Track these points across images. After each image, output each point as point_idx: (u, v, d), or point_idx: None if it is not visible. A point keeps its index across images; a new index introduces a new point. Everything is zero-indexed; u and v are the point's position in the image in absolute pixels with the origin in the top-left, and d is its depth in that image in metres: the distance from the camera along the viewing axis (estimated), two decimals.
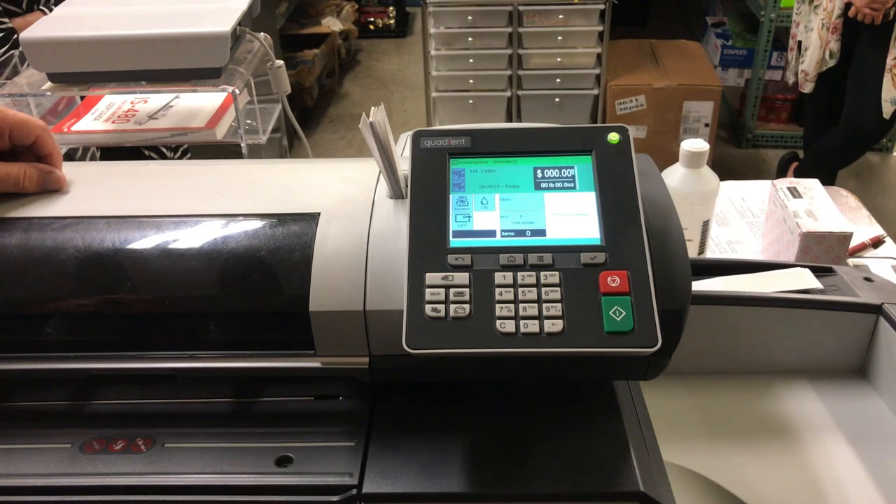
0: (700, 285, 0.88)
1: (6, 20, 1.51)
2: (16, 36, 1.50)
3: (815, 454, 0.77)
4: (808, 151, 2.88)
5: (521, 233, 0.59)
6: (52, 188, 0.67)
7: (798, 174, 2.85)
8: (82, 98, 1.25)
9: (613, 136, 0.62)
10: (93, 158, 1.44)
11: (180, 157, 1.66)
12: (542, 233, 0.59)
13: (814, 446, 0.77)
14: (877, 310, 0.83)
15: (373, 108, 0.59)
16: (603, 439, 0.62)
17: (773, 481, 0.74)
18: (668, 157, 1.02)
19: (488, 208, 0.60)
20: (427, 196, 0.60)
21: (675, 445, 0.74)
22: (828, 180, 2.64)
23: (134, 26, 1.08)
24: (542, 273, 0.56)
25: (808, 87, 2.69)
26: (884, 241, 1.17)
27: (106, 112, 1.22)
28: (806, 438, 0.78)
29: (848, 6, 2.43)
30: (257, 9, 1.21)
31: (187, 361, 0.61)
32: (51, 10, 1.54)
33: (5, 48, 1.46)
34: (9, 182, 0.64)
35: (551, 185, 0.61)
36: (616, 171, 0.61)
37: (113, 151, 1.36)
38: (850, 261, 1.09)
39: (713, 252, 1.16)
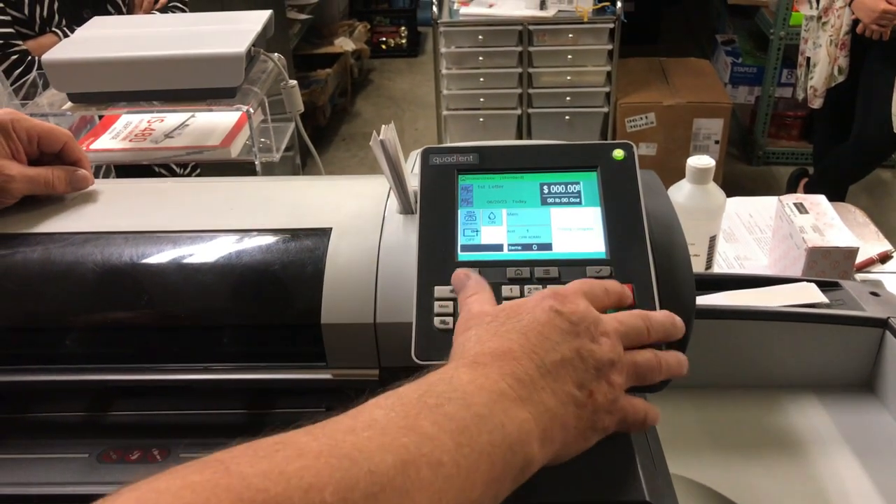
0: (707, 300, 0.89)
1: (20, 42, 1.55)
2: (30, 57, 1.53)
3: (822, 467, 0.77)
4: (817, 167, 2.88)
5: (527, 247, 0.60)
6: (81, 187, 0.70)
7: (808, 190, 2.85)
8: (100, 117, 1.28)
9: (618, 153, 0.63)
10: (108, 176, 1.47)
11: (190, 175, 1.69)
12: (548, 247, 0.60)
13: (820, 459, 0.78)
14: (883, 324, 0.84)
15: (383, 126, 0.61)
16: (609, 450, 0.63)
17: (779, 494, 0.75)
18: (678, 174, 1.04)
19: (496, 223, 0.61)
20: (436, 211, 0.61)
21: (681, 457, 0.75)
22: (838, 196, 2.64)
23: (151, 48, 1.10)
24: (549, 286, 0.57)
25: (816, 103, 2.69)
26: (891, 257, 1.17)
27: (123, 131, 1.25)
28: (812, 451, 0.79)
29: (856, 23, 2.44)
30: (271, 30, 1.23)
31: (202, 373, 0.62)
32: (64, 32, 1.58)
33: (20, 69, 1.49)
34: (40, 183, 0.67)
35: (557, 200, 0.62)
36: (621, 187, 0.62)
37: (126, 169, 1.38)
38: (858, 276, 1.10)
39: (720, 267, 1.17)
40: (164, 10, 1.70)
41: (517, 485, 0.43)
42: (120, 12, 1.64)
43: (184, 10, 1.75)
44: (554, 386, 0.45)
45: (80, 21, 1.52)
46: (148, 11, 1.68)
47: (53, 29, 1.61)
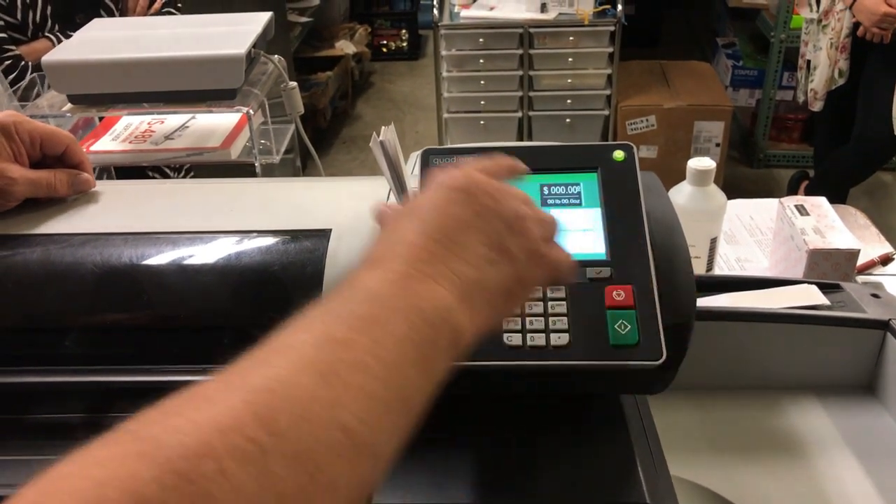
0: (707, 301, 0.89)
1: (13, 47, 1.54)
2: (23, 63, 1.53)
3: (823, 469, 0.77)
4: (818, 170, 2.88)
5: None
6: (83, 190, 0.70)
7: (809, 193, 2.84)
8: (100, 119, 1.28)
9: (619, 154, 0.63)
10: (108, 178, 1.47)
11: (184, 177, 1.69)
12: None
13: (821, 462, 0.78)
14: (884, 326, 0.84)
15: (383, 127, 0.61)
16: (610, 452, 0.63)
17: (779, 496, 0.74)
18: (679, 176, 1.03)
19: None
20: None
21: (682, 459, 0.75)
22: (839, 199, 2.63)
23: (151, 49, 1.10)
24: (548, 287, 0.57)
25: (817, 106, 2.69)
26: (893, 259, 1.17)
27: (123, 132, 1.25)
28: (813, 454, 0.79)
29: (856, 25, 2.44)
30: (271, 32, 1.23)
31: (201, 375, 0.62)
32: (57, 37, 1.58)
33: (14, 75, 1.49)
34: (42, 185, 0.67)
35: (557, 201, 0.62)
36: (621, 188, 0.62)
37: (125, 171, 1.38)
38: (859, 278, 1.10)
39: (721, 269, 1.17)
40: (157, 14, 1.70)
41: (455, 358, 0.43)
42: (112, 16, 1.64)
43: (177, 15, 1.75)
44: (463, 254, 0.45)
45: (74, 26, 1.52)
46: (142, 16, 1.67)
47: (46, 34, 1.60)
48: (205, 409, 0.33)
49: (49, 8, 1.59)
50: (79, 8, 1.61)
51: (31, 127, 0.67)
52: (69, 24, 1.60)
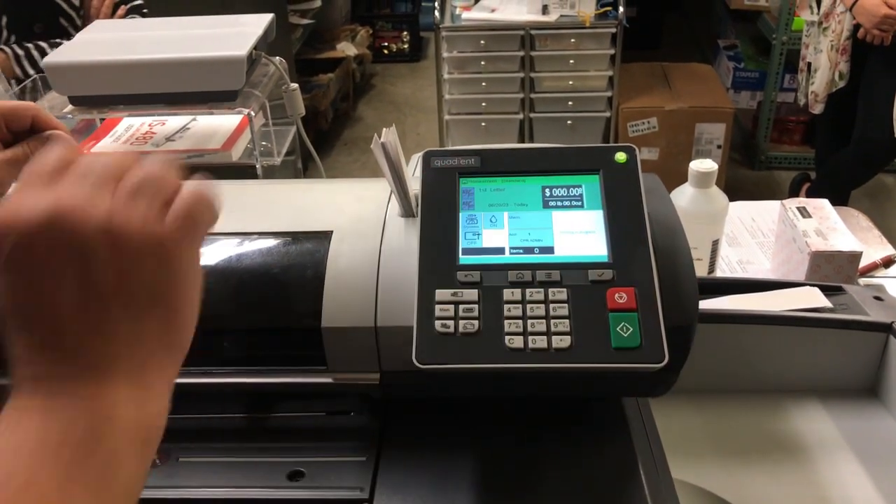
0: (709, 304, 0.89)
1: None
2: None
3: (826, 473, 0.77)
4: (820, 172, 2.88)
5: (529, 250, 0.60)
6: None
7: (810, 195, 2.84)
8: (102, 120, 1.28)
9: (621, 156, 0.63)
10: None
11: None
12: (550, 250, 0.60)
13: (824, 465, 0.77)
14: (887, 328, 0.83)
15: (384, 129, 0.60)
16: (612, 455, 0.63)
17: (782, 499, 0.74)
18: (680, 178, 1.03)
19: (497, 226, 0.61)
20: (437, 214, 0.61)
21: (684, 463, 0.74)
22: (840, 201, 2.63)
23: (152, 51, 1.10)
24: (550, 289, 0.57)
25: (818, 108, 2.69)
26: (895, 261, 1.17)
27: (125, 134, 1.25)
28: (816, 457, 0.78)
29: (857, 28, 2.43)
30: (272, 34, 1.23)
31: (202, 377, 0.62)
32: (13, 49, 1.55)
33: None
34: (20, 160, 0.61)
35: (559, 203, 0.62)
36: (623, 190, 0.62)
37: None
38: (862, 280, 1.10)
39: (723, 271, 1.16)
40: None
41: (143, 444, 0.35)
42: (74, 25, 1.60)
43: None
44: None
45: (32, 36, 1.50)
46: None
47: (1, 46, 1.56)
48: None
49: (4, 19, 1.54)
50: (38, 18, 1.58)
51: None
52: (27, 35, 1.55)
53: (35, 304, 0.34)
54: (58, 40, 1.54)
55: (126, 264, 0.35)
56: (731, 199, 1.11)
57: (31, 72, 1.51)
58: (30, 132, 0.64)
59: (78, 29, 1.59)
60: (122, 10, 1.66)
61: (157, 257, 0.36)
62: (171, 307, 0.37)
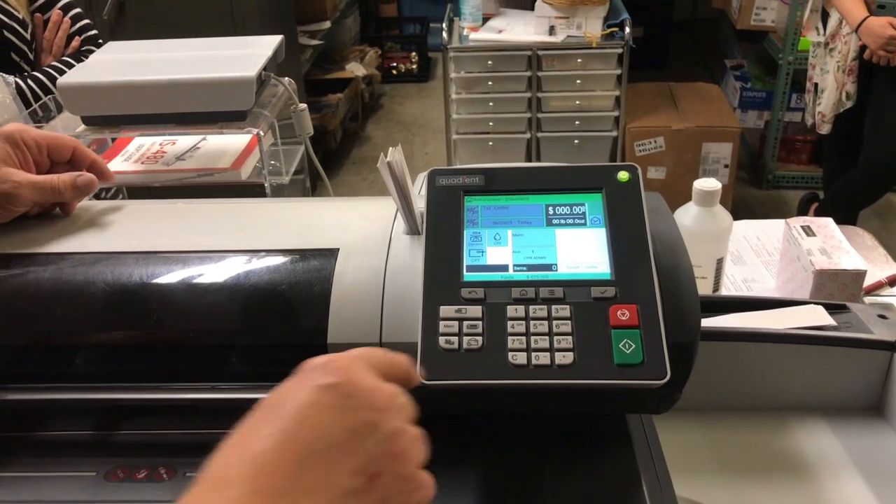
0: (714, 322, 0.89)
1: None
2: None
3: (831, 492, 0.76)
4: (827, 192, 2.88)
5: (532, 267, 0.60)
6: (87, 190, 0.70)
7: (818, 215, 2.84)
8: (113, 140, 1.30)
9: (623, 175, 0.64)
10: (115, 197, 1.48)
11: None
12: (553, 267, 0.60)
13: (829, 483, 0.77)
14: (891, 347, 0.83)
15: (390, 148, 0.61)
16: (615, 473, 0.63)
17: None
18: (687, 197, 1.04)
19: (501, 244, 0.62)
20: (442, 232, 0.62)
21: (688, 480, 0.74)
22: (849, 221, 2.63)
23: (164, 72, 1.12)
24: (554, 307, 0.58)
25: (825, 129, 2.70)
26: None
27: (136, 153, 1.27)
28: (821, 476, 0.78)
29: (863, 48, 2.45)
30: (282, 55, 1.25)
31: (209, 392, 0.63)
32: None
33: None
34: (46, 188, 0.68)
35: (562, 221, 0.63)
36: (626, 208, 0.62)
37: (132, 191, 1.38)
38: (867, 299, 1.10)
39: (728, 290, 1.17)
40: (76, 54, 1.61)
41: None
42: (27, 59, 1.56)
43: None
44: (320, 485, 0.38)
45: None
46: (57, 57, 1.59)
47: None
48: None
49: None
50: None
51: (35, 134, 0.68)
52: None
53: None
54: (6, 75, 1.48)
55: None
56: (739, 218, 1.12)
57: None
58: (68, 164, 0.70)
59: (30, 63, 1.56)
60: (76, 41, 1.62)
61: None
62: None
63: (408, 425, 0.42)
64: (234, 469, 0.37)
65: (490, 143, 2.83)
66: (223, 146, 1.26)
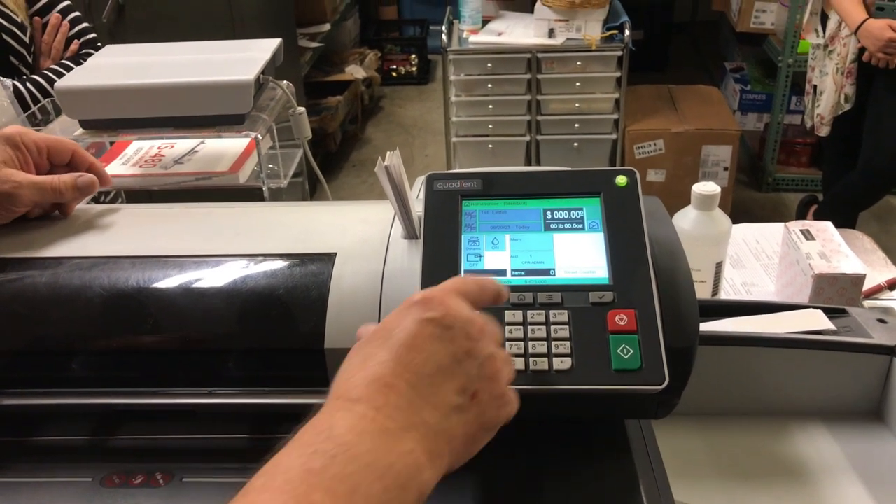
0: (712, 326, 0.89)
1: None
2: None
3: (830, 497, 0.76)
4: (827, 194, 2.88)
5: (530, 272, 0.60)
6: (88, 191, 0.70)
7: (817, 217, 2.84)
8: (111, 143, 1.30)
9: (621, 179, 0.64)
10: (115, 201, 1.47)
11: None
12: (551, 272, 0.60)
13: (828, 489, 0.77)
14: (891, 351, 0.83)
15: (388, 152, 0.61)
16: (613, 478, 0.63)
17: None
18: (686, 200, 1.04)
19: (499, 248, 0.61)
20: (440, 236, 0.61)
21: (687, 486, 0.74)
22: (848, 223, 2.63)
23: (162, 75, 1.12)
24: (551, 312, 0.58)
25: (823, 131, 2.70)
26: None
27: (134, 157, 1.26)
28: (821, 481, 0.78)
29: (862, 51, 2.45)
30: (280, 58, 1.25)
31: (206, 397, 0.63)
32: None
33: None
34: (47, 189, 0.68)
35: (560, 226, 0.63)
36: (624, 213, 0.62)
37: (130, 194, 1.38)
38: (867, 303, 1.09)
39: (727, 294, 1.16)
40: (75, 58, 1.60)
41: None
42: (25, 63, 1.55)
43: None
44: (434, 400, 0.44)
45: None
46: (56, 60, 1.58)
47: None
48: None
49: None
50: None
51: (35, 136, 0.69)
52: None
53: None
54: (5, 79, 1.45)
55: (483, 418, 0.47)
56: (739, 220, 1.12)
57: None
58: (67, 166, 0.71)
59: (29, 67, 1.55)
60: (74, 44, 1.61)
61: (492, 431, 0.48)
62: (476, 442, 0.47)
63: (498, 349, 0.49)
64: (361, 389, 0.43)
65: (490, 146, 2.83)
66: (221, 150, 1.26)
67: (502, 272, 0.60)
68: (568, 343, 0.56)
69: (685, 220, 1.03)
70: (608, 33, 2.68)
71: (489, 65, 2.70)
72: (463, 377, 0.46)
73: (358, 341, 0.49)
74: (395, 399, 0.43)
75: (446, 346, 0.45)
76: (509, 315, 0.57)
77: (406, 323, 0.46)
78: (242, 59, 1.16)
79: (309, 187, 1.46)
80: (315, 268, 0.63)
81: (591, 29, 2.66)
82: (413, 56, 4.71)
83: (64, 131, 1.16)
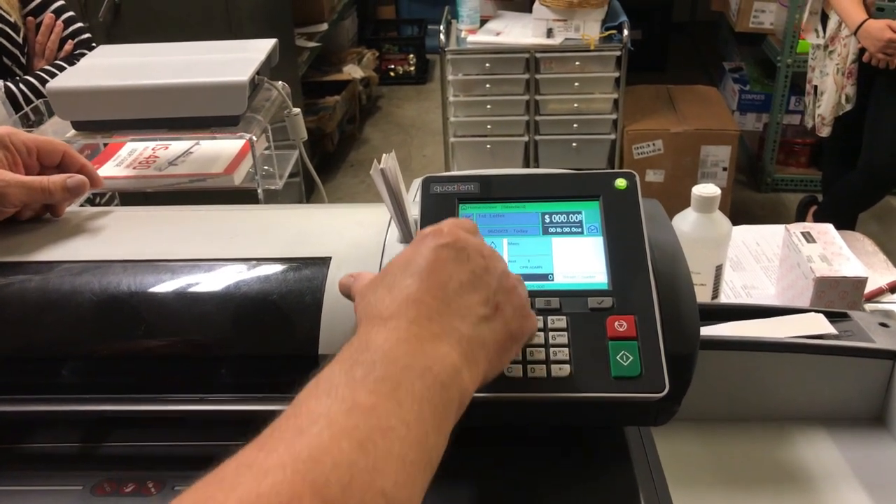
0: (712, 330, 0.88)
1: None
2: None
3: (832, 503, 0.75)
4: (826, 195, 2.87)
5: (528, 277, 0.59)
6: (78, 192, 0.69)
7: (817, 218, 2.83)
8: (105, 145, 1.28)
9: (621, 182, 0.63)
10: (109, 203, 1.46)
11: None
12: (549, 277, 0.59)
13: (830, 495, 0.76)
14: (893, 356, 0.82)
15: (384, 155, 0.60)
16: (613, 485, 0.62)
17: None
18: (685, 201, 1.03)
19: None
20: None
21: (687, 493, 0.73)
22: (848, 224, 2.62)
23: (155, 76, 1.11)
24: (550, 317, 0.57)
25: (824, 132, 2.69)
26: None
27: (128, 158, 1.25)
28: (822, 487, 0.77)
29: (862, 51, 2.44)
30: (276, 58, 1.24)
31: (197, 404, 0.62)
32: None
33: None
34: (36, 189, 0.67)
35: (559, 229, 0.62)
36: (623, 216, 0.61)
37: (129, 197, 1.37)
38: (868, 306, 1.08)
39: (727, 297, 1.15)
40: (69, 58, 1.57)
41: (460, 416, 0.45)
42: (19, 63, 1.53)
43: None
44: (462, 311, 0.47)
45: None
46: (49, 61, 1.56)
47: None
48: (263, 480, 0.36)
49: None
50: None
51: (25, 137, 0.68)
52: None
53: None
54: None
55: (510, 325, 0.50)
56: (738, 222, 1.11)
57: None
58: (58, 168, 0.71)
59: (23, 67, 1.53)
60: (69, 45, 1.59)
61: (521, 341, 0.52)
62: (507, 351, 0.50)
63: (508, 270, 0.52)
64: (392, 308, 0.46)
65: (488, 146, 2.82)
66: (216, 151, 1.25)
67: None
68: (566, 350, 0.55)
69: (685, 223, 1.02)
70: (607, 33, 2.67)
71: (487, 65, 2.69)
72: (484, 290, 0.49)
73: (350, 286, 0.53)
74: (426, 311, 0.46)
75: (464, 265, 0.49)
76: None
77: (423, 251, 0.49)
78: (237, 59, 1.15)
79: (305, 188, 1.45)
80: (309, 272, 0.62)
81: (589, 29, 2.65)
82: (411, 56, 4.70)
83: (57, 133, 1.15)
